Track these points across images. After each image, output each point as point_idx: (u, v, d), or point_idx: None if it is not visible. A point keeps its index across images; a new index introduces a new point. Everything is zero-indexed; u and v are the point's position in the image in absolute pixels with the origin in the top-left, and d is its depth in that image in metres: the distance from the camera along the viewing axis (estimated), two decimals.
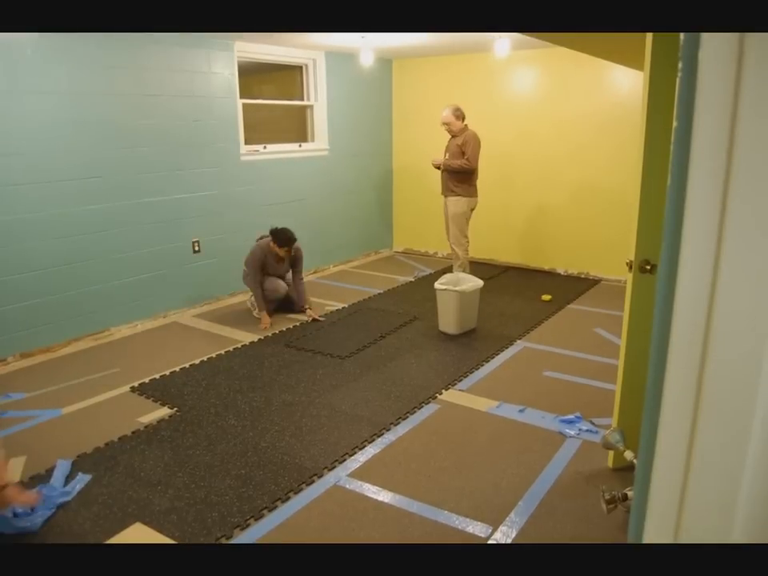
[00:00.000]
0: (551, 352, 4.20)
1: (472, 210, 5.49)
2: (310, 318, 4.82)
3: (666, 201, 0.88)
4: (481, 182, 6.62)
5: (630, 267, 2.51)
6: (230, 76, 5.15)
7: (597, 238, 5.98)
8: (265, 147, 5.66)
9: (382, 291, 5.68)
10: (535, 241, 6.39)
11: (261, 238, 4.96)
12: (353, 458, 2.90)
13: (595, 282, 5.98)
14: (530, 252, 6.46)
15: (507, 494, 2.61)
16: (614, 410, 2.80)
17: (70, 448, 2.97)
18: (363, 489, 2.66)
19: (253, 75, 5.83)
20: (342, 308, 5.16)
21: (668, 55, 2.35)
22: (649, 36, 2.37)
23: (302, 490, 2.65)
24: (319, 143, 6.26)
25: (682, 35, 0.80)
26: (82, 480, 2.69)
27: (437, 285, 4.57)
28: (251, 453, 2.93)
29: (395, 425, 3.19)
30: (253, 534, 2.37)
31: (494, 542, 2.32)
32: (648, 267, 2.48)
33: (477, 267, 6.19)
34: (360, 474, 2.77)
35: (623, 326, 2.65)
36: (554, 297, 5.41)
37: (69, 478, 2.72)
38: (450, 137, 5.40)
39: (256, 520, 2.45)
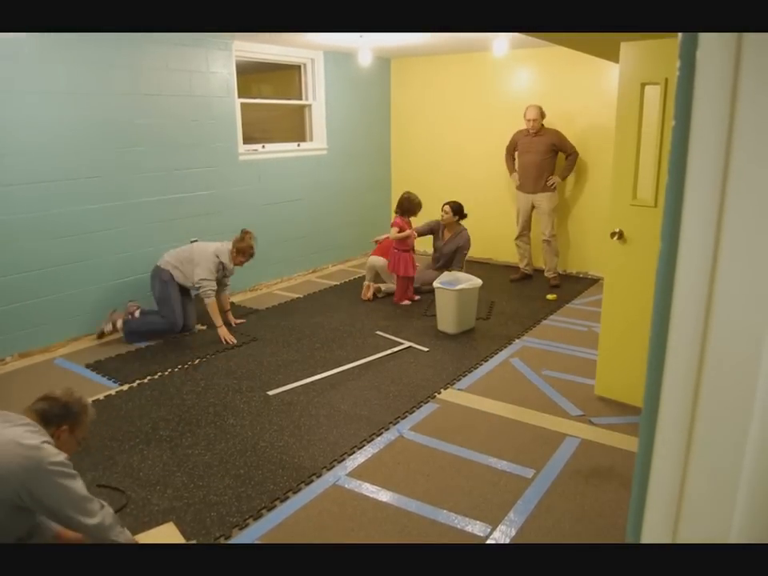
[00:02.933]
0: (550, 351, 4.20)
1: None
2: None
3: (664, 199, 0.88)
4: (480, 182, 6.63)
5: (612, 236, 3.24)
6: (228, 75, 5.14)
7: (595, 237, 5.98)
8: (263, 147, 5.66)
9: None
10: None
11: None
12: (352, 457, 2.90)
13: (594, 281, 5.98)
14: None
15: (506, 493, 2.62)
16: (596, 374, 3.44)
17: None
18: (362, 488, 2.66)
19: (251, 75, 5.82)
20: (341, 306, 5.16)
21: (635, 61, 2.64)
22: (621, 44, 2.50)
23: (300, 489, 2.65)
24: (318, 143, 6.25)
25: (680, 35, 0.80)
26: None
27: (435, 284, 4.57)
28: (250, 452, 2.93)
29: (394, 424, 3.20)
30: (252, 534, 2.37)
31: (493, 542, 2.33)
32: (617, 231, 3.25)
33: (475, 266, 6.19)
34: (359, 474, 2.77)
35: (603, 291, 3.37)
36: (555, 296, 5.42)
37: None
38: (533, 134, 5.65)
39: (255, 520, 2.45)
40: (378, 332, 4.56)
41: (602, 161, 5.77)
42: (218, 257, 4.37)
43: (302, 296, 5.50)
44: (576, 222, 6.09)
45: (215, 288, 4.36)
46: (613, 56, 4.21)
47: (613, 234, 3.27)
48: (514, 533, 2.37)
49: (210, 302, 4.32)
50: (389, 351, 4.18)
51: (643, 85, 2.99)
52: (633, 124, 3.08)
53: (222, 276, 4.50)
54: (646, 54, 2.91)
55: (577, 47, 3.90)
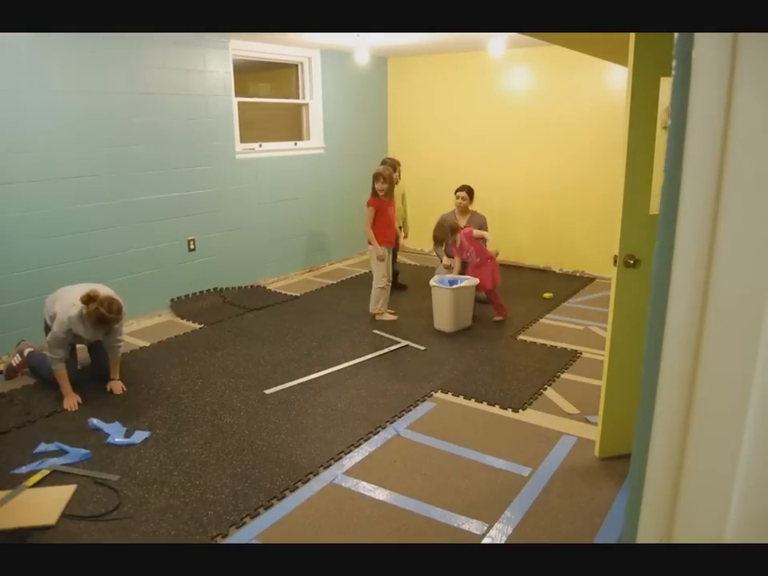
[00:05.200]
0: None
1: None
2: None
3: (660, 197, 0.89)
4: (476, 181, 6.63)
5: (615, 262, 2.57)
6: (225, 74, 5.14)
7: (592, 236, 6.00)
8: (260, 145, 5.65)
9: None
10: (530, 239, 6.40)
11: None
12: (349, 456, 2.90)
13: (590, 279, 6.00)
14: (524, 250, 6.47)
15: (503, 492, 2.62)
16: (600, 405, 2.82)
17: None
18: (359, 487, 2.66)
19: (248, 73, 5.81)
20: (338, 305, 5.16)
21: (651, 53, 2.37)
22: (631, 34, 2.38)
23: (297, 488, 2.66)
24: (315, 141, 6.25)
25: (675, 34, 0.80)
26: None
27: (432, 282, 4.57)
28: (247, 451, 2.93)
29: (391, 422, 3.20)
30: (249, 533, 2.37)
31: (490, 540, 2.33)
32: (631, 262, 2.56)
33: None
34: (356, 472, 2.77)
35: (608, 318, 2.68)
36: (552, 294, 5.43)
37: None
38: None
39: (252, 518, 2.45)
40: (375, 330, 4.57)
41: (596, 158, 5.78)
42: (70, 321, 3.38)
43: (299, 294, 5.50)
44: (571, 220, 6.10)
45: (61, 356, 3.41)
46: (612, 57, 4.22)
47: (626, 262, 2.56)
48: (510, 531, 2.38)
49: (56, 369, 3.44)
50: (386, 350, 4.18)
51: (659, 78, 2.44)
52: (648, 124, 2.47)
53: (93, 339, 3.57)
54: (663, 42, 2.27)
55: (576, 47, 3.89)
